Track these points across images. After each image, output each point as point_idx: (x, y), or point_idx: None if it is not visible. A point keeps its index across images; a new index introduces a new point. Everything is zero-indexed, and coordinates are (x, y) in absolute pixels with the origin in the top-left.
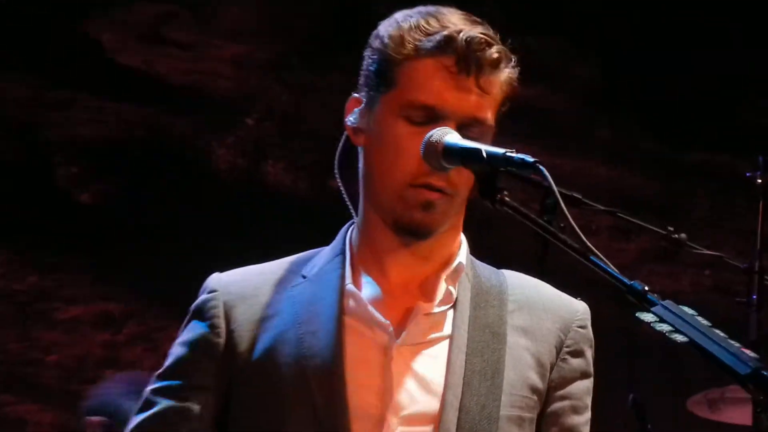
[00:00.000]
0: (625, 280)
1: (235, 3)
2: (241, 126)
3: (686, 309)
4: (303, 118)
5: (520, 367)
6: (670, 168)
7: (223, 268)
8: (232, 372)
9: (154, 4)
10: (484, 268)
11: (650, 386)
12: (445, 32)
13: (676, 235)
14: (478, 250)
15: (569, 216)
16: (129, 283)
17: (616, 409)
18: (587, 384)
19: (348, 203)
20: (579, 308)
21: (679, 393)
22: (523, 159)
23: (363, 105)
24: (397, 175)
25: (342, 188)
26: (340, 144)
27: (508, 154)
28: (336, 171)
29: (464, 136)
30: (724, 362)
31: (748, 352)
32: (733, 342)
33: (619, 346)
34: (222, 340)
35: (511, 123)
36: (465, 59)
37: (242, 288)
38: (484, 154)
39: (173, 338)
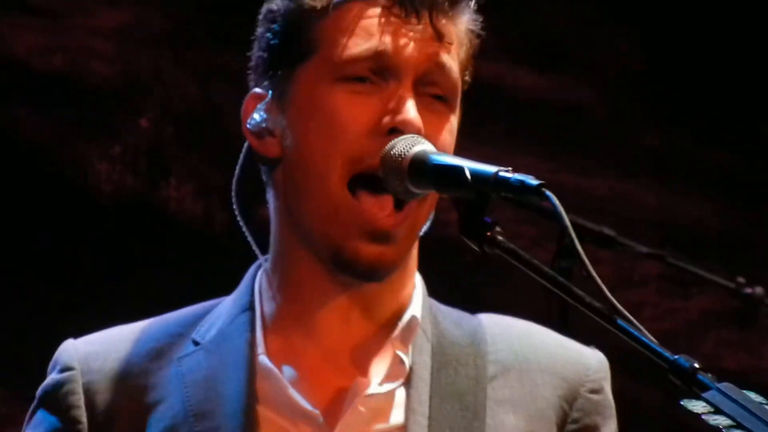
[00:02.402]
0: (667, 353)
1: None
2: (131, 130)
3: (752, 395)
4: (216, 117)
5: None
6: (748, 192)
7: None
8: None
9: None
10: (451, 317)
11: None
12: None
13: (750, 290)
14: (468, 308)
15: (587, 262)
16: None
17: None
18: None
19: (250, 238)
20: (591, 364)
21: None
22: (522, 181)
23: (269, 98)
24: (331, 168)
25: (242, 219)
26: (240, 160)
27: (501, 174)
28: (234, 197)
29: (426, 93)
30: None
31: None
32: None
33: None
34: None
35: (511, 126)
36: None
37: (109, 363)
38: (468, 175)
39: None
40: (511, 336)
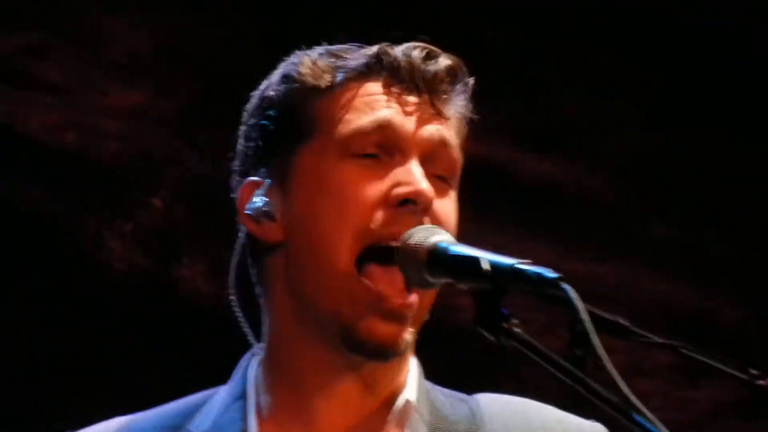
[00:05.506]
0: None
1: (127, 32)
2: (145, 209)
3: None
4: (226, 195)
5: None
6: (758, 286)
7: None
8: None
9: (13, 32)
10: (447, 398)
11: None
12: (374, 49)
13: (762, 381)
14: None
15: (604, 354)
16: None
17: None
18: None
19: (245, 326)
20: None
21: None
22: (540, 274)
23: (269, 183)
24: (342, 242)
25: (238, 308)
26: (238, 249)
27: (518, 266)
28: (231, 286)
29: (431, 174)
30: None
31: None
32: None
33: None
34: None
35: (521, 211)
36: (410, 75)
37: None
38: (486, 267)
39: None
40: (507, 413)
